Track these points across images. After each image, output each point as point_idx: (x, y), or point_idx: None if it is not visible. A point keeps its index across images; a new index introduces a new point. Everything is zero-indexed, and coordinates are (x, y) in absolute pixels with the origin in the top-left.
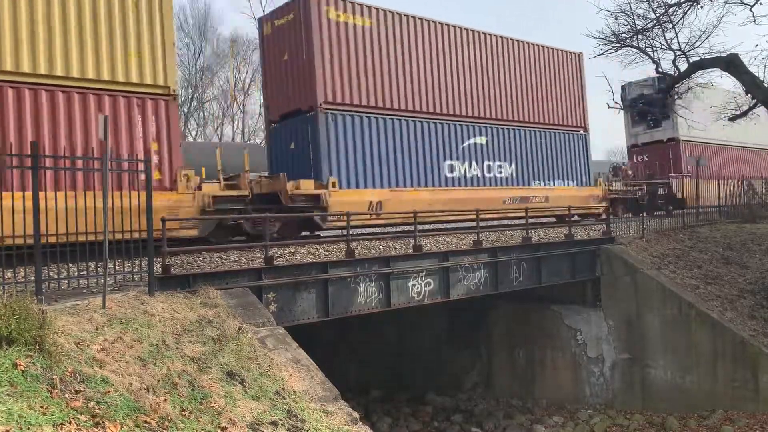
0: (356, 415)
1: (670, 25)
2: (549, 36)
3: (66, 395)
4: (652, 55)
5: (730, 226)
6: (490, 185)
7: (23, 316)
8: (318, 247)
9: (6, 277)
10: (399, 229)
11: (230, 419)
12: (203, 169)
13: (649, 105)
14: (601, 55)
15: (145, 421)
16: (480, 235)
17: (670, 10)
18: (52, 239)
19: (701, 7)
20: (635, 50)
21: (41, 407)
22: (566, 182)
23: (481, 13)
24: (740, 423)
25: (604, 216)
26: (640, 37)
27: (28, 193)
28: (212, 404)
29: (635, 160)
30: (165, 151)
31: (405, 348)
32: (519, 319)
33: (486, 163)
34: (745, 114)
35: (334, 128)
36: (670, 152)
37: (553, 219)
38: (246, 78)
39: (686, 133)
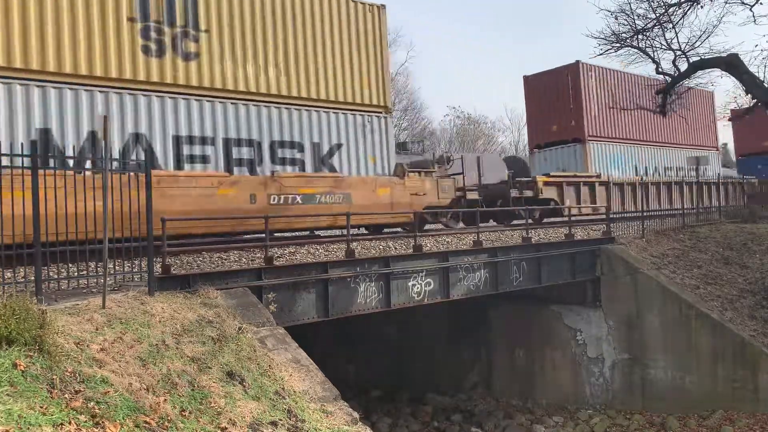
0: (356, 415)
1: (670, 25)
2: (550, 36)
3: (66, 395)
4: (652, 55)
5: (730, 226)
6: None
7: (23, 316)
8: (318, 247)
9: (6, 277)
10: None
11: (230, 419)
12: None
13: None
14: (601, 55)
15: (145, 421)
16: (480, 235)
17: (670, 10)
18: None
19: (701, 7)
20: (635, 50)
21: (41, 407)
22: None
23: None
24: (740, 423)
25: None
26: (640, 37)
27: None
28: (212, 404)
29: None
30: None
31: (405, 348)
32: (519, 319)
33: None
34: (744, 114)
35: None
36: None
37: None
38: None
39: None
